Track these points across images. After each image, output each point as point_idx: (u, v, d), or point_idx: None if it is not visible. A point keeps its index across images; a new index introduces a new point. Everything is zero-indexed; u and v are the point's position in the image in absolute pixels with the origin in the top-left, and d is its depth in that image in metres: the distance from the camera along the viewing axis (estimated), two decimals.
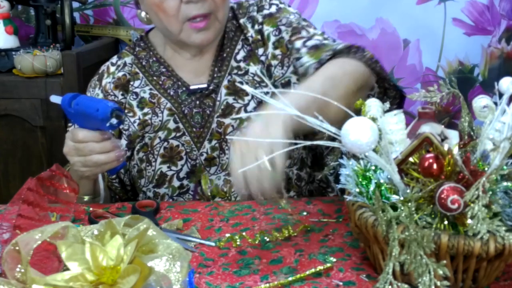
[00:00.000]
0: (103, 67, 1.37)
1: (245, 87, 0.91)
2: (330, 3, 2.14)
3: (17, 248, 0.71)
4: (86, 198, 1.23)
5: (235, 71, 1.29)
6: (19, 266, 0.71)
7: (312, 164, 1.35)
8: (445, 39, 2.17)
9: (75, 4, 2.09)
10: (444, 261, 0.72)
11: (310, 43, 1.26)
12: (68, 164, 1.31)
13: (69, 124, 1.36)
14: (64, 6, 1.90)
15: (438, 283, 0.71)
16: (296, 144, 0.83)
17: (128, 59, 1.35)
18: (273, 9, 1.32)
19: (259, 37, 1.30)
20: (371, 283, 0.84)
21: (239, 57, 1.31)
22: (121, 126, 1.30)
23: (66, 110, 1.11)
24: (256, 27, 1.31)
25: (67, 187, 1.05)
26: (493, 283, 0.84)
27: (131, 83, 1.33)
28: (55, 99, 1.14)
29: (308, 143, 0.84)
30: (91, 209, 1.13)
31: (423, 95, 0.93)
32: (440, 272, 0.71)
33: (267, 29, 1.29)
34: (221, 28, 1.27)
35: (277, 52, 1.28)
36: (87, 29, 2.14)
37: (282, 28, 1.29)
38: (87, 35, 2.16)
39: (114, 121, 1.06)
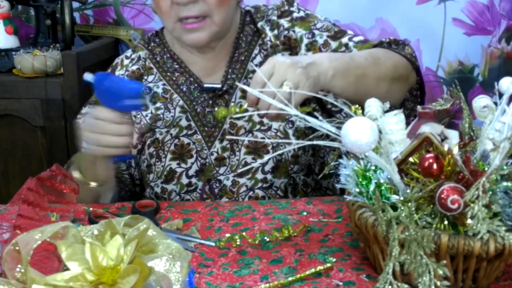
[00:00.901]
0: (117, 60, 1.40)
1: (245, 86, 0.91)
2: (330, 3, 2.14)
3: (17, 248, 0.71)
4: (93, 184, 1.20)
5: (251, 75, 1.30)
6: (19, 266, 0.71)
7: (320, 172, 1.35)
8: (445, 39, 2.17)
9: (75, 4, 2.09)
10: (444, 261, 0.72)
11: (356, 39, 1.29)
12: (72, 160, 1.31)
13: (81, 112, 1.36)
14: (64, 6, 1.90)
15: (438, 283, 0.71)
16: (296, 144, 0.83)
17: (142, 53, 1.37)
18: (302, 13, 1.33)
19: (277, 42, 1.30)
20: (371, 283, 0.84)
21: (255, 61, 1.32)
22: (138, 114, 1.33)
23: (96, 88, 1.11)
24: (276, 31, 1.31)
25: (67, 187, 1.05)
26: (493, 283, 0.84)
27: (145, 77, 1.35)
28: (88, 77, 1.15)
29: (308, 143, 0.84)
30: (91, 209, 1.13)
31: (439, 104, 0.95)
32: (440, 272, 0.71)
33: (299, 31, 1.30)
34: (220, 31, 1.26)
35: (310, 53, 1.28)
36: (87, 29, 2.14)
37: (316, 32, 1.30)
38: (87, 35, 2.16)
39: (142, 101, 1.08)
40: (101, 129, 1.10)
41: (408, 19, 2.14)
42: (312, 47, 1.28)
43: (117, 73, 1.36)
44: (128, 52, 1.39)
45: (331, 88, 1.07)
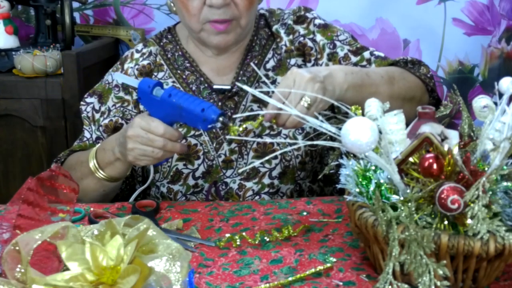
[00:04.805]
0: (127, 53, 1.39)
1: (245, 87, 0.91)
2: (330, 3, 2.14)
3: (17, 248, 0.71)
4: (102, 174, 1.19)
5: (263, 79, 1.30)
6: (19, 266, 0.71)
7: (325, 179, 1.35)
8: (445, 39, 2.17)
9: (75, 4, 2.09)
10: (444, 261, 0.73)
11: (376, 53, 1.31)
12: (91, 151, 1.30)
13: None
14: (64, 6, 1.90)
15: (438, 283, 0.71)
16: (296, 144, 0.83)
17: (154, 49, 1.36)
18: (322, 21, 1.34)
19: (292, 47, 1.31)
20: (371, 283, 0.84)
21: (268, 65, 1.32)
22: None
23: (147, 95, 1.08)
24: (291, 37, 1.32)
25: (67, 187, 1.05)
26: (493, 283, 0.84)
27: (155, 74, 1.34)
28: (121, 77, 1.13)
29: (308, 143, 0.84)
30: (91, 209, 1.13)
31: (439, 111, 0.96)
32: (440, 272, 0.71)
33: (322, 39, 1.31)
34: (243, 33, 1.27)
35: (330, 64, 1.29)
36: (87, 29, 2.14)
37: (338, 43, 1.31)
38: (87, 35, 2.16)
39: (218, 125, 1.04)
40: (156, 145, 1.08)
41: (408, 19, 2.14)
42: (332, 57, 1.30)
43: (126, 65, 1.35)
44: (139, 46, 1.38)
45: (343, 100, 1.08)
